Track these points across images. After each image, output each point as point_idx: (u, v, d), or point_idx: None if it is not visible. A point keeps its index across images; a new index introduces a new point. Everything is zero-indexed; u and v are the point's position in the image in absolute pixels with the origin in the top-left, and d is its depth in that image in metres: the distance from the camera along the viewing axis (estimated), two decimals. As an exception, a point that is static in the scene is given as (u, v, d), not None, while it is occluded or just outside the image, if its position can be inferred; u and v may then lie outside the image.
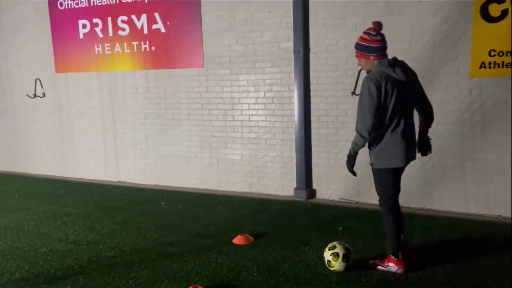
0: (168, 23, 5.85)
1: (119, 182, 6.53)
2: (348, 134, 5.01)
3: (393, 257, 3.31)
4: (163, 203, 5.34)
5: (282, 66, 5.31)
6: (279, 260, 3.56)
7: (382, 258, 3.42)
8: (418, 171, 4.73)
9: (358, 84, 4.84)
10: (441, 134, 4.58)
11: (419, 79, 4.55)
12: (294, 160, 5.35)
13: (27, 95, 7.05)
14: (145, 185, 6.26)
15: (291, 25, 5.11)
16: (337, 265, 3.28)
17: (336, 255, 3.29)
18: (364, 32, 3.29)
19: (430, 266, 3.37)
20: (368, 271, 3.31)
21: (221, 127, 5.80)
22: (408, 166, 4.73)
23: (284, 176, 5.48)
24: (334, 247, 3.34)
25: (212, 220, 4.66)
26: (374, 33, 3.23)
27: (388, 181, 3.33)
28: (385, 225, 3.40)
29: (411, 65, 4.64)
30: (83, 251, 3.92)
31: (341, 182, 5.16)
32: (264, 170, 5.60)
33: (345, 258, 3.28)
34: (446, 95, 4.51)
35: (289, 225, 4.39)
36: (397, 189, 3.38)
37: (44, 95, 6.98)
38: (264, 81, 5.44)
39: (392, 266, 3.31)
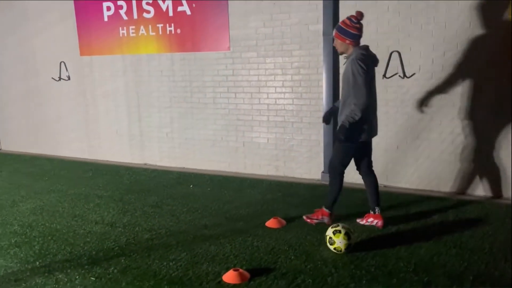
0: (194, 5, 5.80)
1: (145, 164, 6.62)
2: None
3: (326, 210, 3.96)
4: (191, 186, 5.41)
5: (310, 49, 5.25)
6: (315, 244, 3.61)
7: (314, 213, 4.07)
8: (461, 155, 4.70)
9: (388, 67, 4.80)
10: (480, 120, 4.54)
11: (455, 60, 4.60)
12: (322, 144, 5.35)
13: (52, 78, 7.11)
14: (171, 168, 6.34)
15: (320, 6, 5.04)
16: (338, 241, 3.35)
17: (338, 231, 3.37)
18: (347, 18, 3.67)
19: (473, 257, 3.38)
20: (405, 255, 3.34)
21: (247, 110, 5.81)
22: (453, 151, 4.71)
23: (311, 159, 5.49)
24: (337, 225, 3.44)
25: (242, 203, 4.71)
26: (355, 21, 3.64)
27: (351, 153, 3.84)
28: (331, 184, 3.96)
29: (446, 47, 4.59)
30: (120, 233, 4.01)
31: (369, 166, 5.15)
32: (290, 154, 5.61)
33: (347, 235, 3.35)
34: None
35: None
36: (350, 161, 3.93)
37: (69, 78, 7.02)
38: (291, 64, 5.39)
39: (325, 218, 3.96)
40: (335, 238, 3.37)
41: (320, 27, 5.09)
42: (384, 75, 4.83)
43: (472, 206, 4.34)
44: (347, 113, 3.59)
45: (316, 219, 4.00)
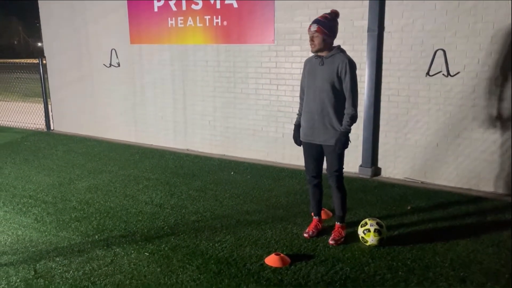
0: (241, -2, 5.98)
1: (187, 150, 6.93)
2: (419, 115, 5.06)
3: (343, 223, 3.74)
4: (232, 173, 5.66)
5: (354, 44, 5.34)
6: (353, 235, 3.76)
7: (334, 234, 3.70)
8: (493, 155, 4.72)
9: (433, 65, 4.83)
10: (519, 120, 4.53)
11: (502, 61, 4.57)
12: (361, 138, 5.45)
13: (103, 64, 7.51)
14: (212, 155, 6.62)
15: (366, 3, 5.10)
16: (370, 239, 3.51)
17: (367, 230, 3.52)
18: (328, 13, 3.49)
19: (510, 257, 3.46)
20: (442, 251, 3.45)
21: (288, 102, 5.97)
22: (495, 151, 4.71)
23: (350, 153, 5.55)
24: (366, 223, 3.57)
25: (281, 192, 4.92)
26: (336, 17, 3.50)
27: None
28: (342, 194, 3.67)
29: (493, 47, 4.58)
30: (169, 214, 4.31)
31: (407, 162, 5.23)
32: (329, 146, 5.75)
33: (377, 232, 3.49)
34: (528, 80, 4.42)
35: (358, 201, 4.56)
36: None
37: (119, 65, 7.40)
38: (334, 58, 5.49)
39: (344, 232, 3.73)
40: (366, 238, 3.53)
41: (365, 23, 5.16)
42: (428, 73, 4.87)
43: None
44: (348, 118, 3.40)
45: (341, 237, 3.66)
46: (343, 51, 3.50)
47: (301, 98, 3.73)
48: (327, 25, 3.40)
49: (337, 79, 3.41)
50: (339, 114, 3.45)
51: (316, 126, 3.53)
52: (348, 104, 3.42)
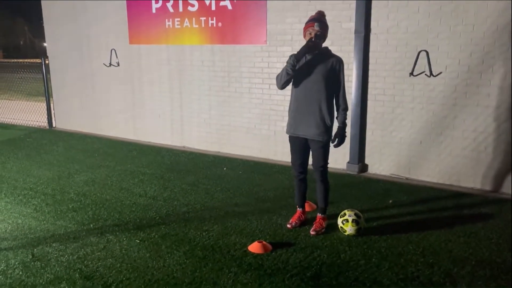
0: (235, 0, 6.20)
1: (184, 147, 7.16)
2: (404, 114, 5.25)
3: (325, 215, 3.94)
4: (225, 169, 5.88)
5: (342, 45, 5.54)
6: (334, 226, 3.96)
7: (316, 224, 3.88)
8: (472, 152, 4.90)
9: (416, 66, 5.03)
10: (498, 118, 4.71)
11: (481, 62, 4.75)
12: (348, 136, 5.64)
13: (103, 63, 7.76)
14: (207, 151, 6.84)
15: (353, 5, 5.31)
16: (348, 229, 3.70)
17: (346, 221, 3.72)
18: (324, 15, 3.73)
19: (479, 245, 3.65)
20: (416, 240, 3.65)
21: (280, 101, 6.18)
22: (474, 148, 4.90)
23: (337, 150, 5.70)
24: (344, 214, 3.77)
25: (271, 186, 5.13)
26: None
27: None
28: (326, 187, 3.85)
29: (473, 48, 4.77)
30: (161, 206, 4.54)
31: (393, 159, 5.43)
32: (319, 144, 5.95)
33: (355, 222, 3.69)
34: (506, 80, 4.60)
35: (343, 196, 4.76)
36: None
37: (118, 64, 7.65)
38: (324, 59, 5.70)
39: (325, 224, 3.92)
40: (345, 228, 3.74)
41: (352, 25, 5.37)
42: (412, 73, 5.07)
43: (489, 201, 4.55)
44: (344, 113, 3.65)
45: (321, 228, 3.86)
46: (330, 50, 3.74)
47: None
48: (326, 25, 3.64)
49: (331, 75, 3.58)
50: (330, 109, 3.64)
51: (307, 120, 3.64)
52: (341, 99, 3.66)
